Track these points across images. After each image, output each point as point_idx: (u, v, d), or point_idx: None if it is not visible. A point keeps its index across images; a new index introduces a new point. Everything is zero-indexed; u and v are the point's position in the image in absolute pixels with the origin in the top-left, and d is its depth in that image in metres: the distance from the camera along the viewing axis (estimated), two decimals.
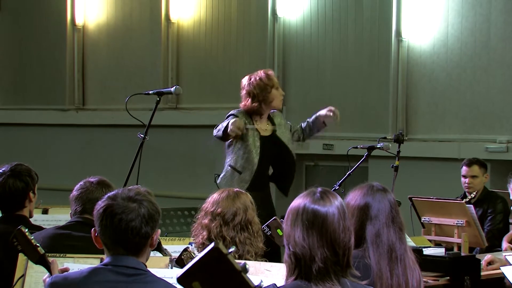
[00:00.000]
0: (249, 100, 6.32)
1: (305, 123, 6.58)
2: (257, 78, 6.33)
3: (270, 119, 6.44)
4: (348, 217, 2.95)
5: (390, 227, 3.52)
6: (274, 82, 6.34)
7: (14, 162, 4.57)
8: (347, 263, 2.90)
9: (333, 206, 2.90)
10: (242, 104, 6.38)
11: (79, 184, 4.13)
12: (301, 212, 2.89)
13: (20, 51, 12.11)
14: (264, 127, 6.40)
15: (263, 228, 5.63)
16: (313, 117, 6.54)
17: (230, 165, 6.40)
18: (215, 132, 6.34)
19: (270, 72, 6.42)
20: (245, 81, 6.41)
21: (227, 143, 6.45)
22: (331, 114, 6.41)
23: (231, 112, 6.41)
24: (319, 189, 2.95)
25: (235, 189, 4.14)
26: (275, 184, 6.63)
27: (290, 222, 2.90)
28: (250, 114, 6.37)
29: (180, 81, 10.38)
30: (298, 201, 2.93)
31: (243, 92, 6.38)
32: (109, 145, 10.95)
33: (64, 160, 11.09)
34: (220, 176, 6.47)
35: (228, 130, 6.14)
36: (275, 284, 2.86)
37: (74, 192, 4.11)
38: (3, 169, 4.49)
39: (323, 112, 6.45)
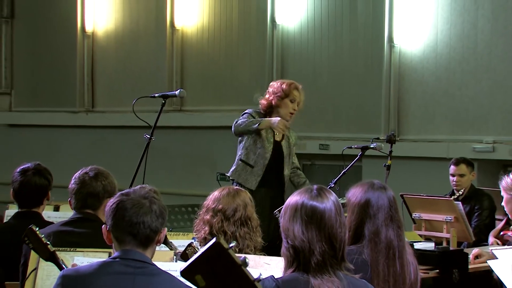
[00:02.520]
0: (268, 96, 6.39)
1: (300, 177, 6.57)
2: (282, 83, 6.42)
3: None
4: (343, 213, 2.95)
5: (388, 225, 3.50)
6: (292, 95, 6.37)
7: (35, 162, 4.58)
8: (342, 257, 2.90)
9: (329, 202, 2.90)
10: (263, 99, 6.41)
11: (77, 176, 4.04)
12: (299, 208, 2.88)
13: (33, 56, 12.11)
14: (277, 132, 6.43)
15: (275, 213, 5.64)
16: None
17: (241, 159, 6.42)
18: (240, 125, 6.29)
19: (296, 86, 6.43)
20: (274, 82, 6.49)
21: (239, 139, 6.46)
22: None
23: (247, 111, 6.45)
24: (315, 186, 2.95)
25: (235, 187, 4.16)
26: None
27: (288, 217, 2.90)
28: (265, 115, 6.39)
29: (184, 85, 10.37)
30: (296, 198, 2.92)
31: (268, 90, 6.45)
32: (117, 145, 10.95)
33: (74, 159, 11.06)
34: (231, 170, 6.47)
35: (276, 126, 6.22)
36: (273, 275, 2.85)
37: (73, 185, 4.02)
38: (27, 166, 4.50)
39: None
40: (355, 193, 3.58)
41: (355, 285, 2.91)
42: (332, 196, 2.93)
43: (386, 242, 3.46)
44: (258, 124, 6.26)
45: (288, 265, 2.88)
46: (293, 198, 2.93)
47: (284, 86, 6.38)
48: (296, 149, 6.82)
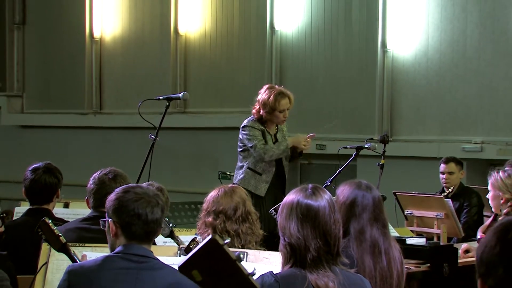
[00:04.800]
0: (257, 107, 6.32)
1: None
2: (269, 96, 6.25)
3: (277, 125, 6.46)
4: (337, 210, 2.94)
5: (373, 225, 3.47)
6: (280, 107, 6.23)
7: (45, 161, 4.60)
8: (337, 252, 2.89)
9: (323, 200, 2.89)
10: (253, 108, 6.36)
11: (96, 177, 4.05)
12: (295, 206, 2.88)
13: (44, 61, 12.11)
14: (273, 132, 6.41)
15: (271, 211, 5.61)
16: None
17: (249, 167, 6.32)
18: (272, 156, 6.23)
19: (283, 95, 6.27)
20: (263, 90, 6.36)
21: (242, 148, 6.38)
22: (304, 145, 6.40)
23: (245, 124, 6.35)
24: (310, 185, 2.94)
25: (230, 185, 4.09)
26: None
27: (284, 215, 2.89)
28: (261, 122, 6.35)
29: (188, 88, 10.37)
30: (292, 197, 2.91)
31: (257, 97, 6.35)
32: (124, 146, 10.94)
33: (83, 159, 11.08)
34: (238, 178, 6.35)
35: (302, 151, 6.29)
36: (272, 271, 2.84)
37: (92, 186, 4.04)
38: (38, 165, 4.52)
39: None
40: (343, 192, 3.57)
41: (350, 279, 2.90)
42: (326, 195, 2.92)
43: (371, 240, 3.44)
44: (287, 147, 6.26)
45: (285, 262, 2.88)
46: (289, 197, 2.92)
47: (270, 100, 6.21)
48: None
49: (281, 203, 2.95)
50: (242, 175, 6.33)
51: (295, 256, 2.84)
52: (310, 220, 2.84)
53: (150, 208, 2.96)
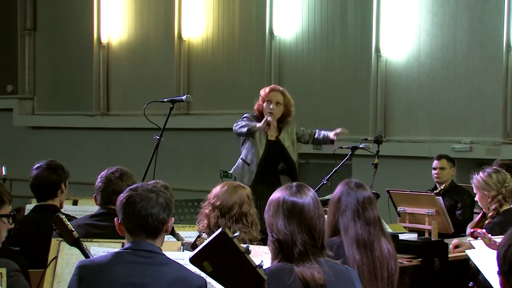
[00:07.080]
0: (259, 101, 6.51)
1: (318, 133, 6.67)
2: (264, 89, 6.52)
3: (279, 128, 6.49)
4: (321, 206, 2.95)
5: (356, 221, 3.49)
6: (268, 97, 6.42)
7: (49, 159, 4.59)
8: (321, 245, 2.90)
9: (308, 197, 2.90)
10: (255, 106, 6.55)
11: (104, 175, 4.04)
12: (281, 204, 2.88)
13: (54, 65, 12.11)
14: (271, 133, 6.46)
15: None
16: (324, 134, 6.62)
17: (241, 158, 6.50)
18: (236, 128, 6.40)
19: (273, 89, 6.49)
20: (262, 89, 6.61)
21: (241, 141, 6.52)
22: (340, 131, 6.52)
23: (246, 114, 6.57)
24: (295, 183, 2.96)
25: (236, 183, 4.07)
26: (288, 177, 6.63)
27: (271, 213, 2.90)
28: (259, 118, 6.43)
29: (191, 91, 10.37)
30: (278, 194, 2.92)
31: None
32: (130, 146, 10.94)
33: (90, 158, 11.08)
34: (233, 167, 6.54)
35: (259, 127, 6.25)
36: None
37: (100, 184, 4.04)
38: (40, 164, 4.52)
39: (332, 133, 6.55)
40: (335, 190, 3.61)
41: (335, 269, 2.90)
42: (310, 192, 2.94)
43: (355, 236, 3.46)
44: (247, 129, 6.31)
45: (274, 257, 2.89)
46: (275, 195, 2.93)
47: (263, 91, 6.47)
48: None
49: (268, 201, 2.96)
50: (236, 165, 6.51)
51: (283, 251, 2.85)
52: (296, 216, 2.85)
53: (144, 203, 2.96)
